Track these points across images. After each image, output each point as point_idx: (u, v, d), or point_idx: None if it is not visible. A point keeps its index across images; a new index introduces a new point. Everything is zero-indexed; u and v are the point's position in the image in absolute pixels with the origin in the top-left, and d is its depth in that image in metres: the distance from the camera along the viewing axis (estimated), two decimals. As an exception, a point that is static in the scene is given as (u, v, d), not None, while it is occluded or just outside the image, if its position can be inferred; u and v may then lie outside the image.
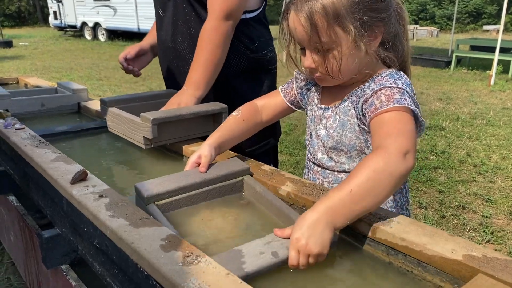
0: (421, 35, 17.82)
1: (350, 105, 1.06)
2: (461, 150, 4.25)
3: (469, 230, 2.77)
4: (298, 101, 1.24)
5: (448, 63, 9.45)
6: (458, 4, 11.75)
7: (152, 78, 8.15)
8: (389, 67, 1.07)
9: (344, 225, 0.83)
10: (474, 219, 2.93)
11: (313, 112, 1.17)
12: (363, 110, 1.01)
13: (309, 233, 0.78)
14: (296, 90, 1.23)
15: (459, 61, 9.60)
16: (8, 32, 19.12)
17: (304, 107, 1.24)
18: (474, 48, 9.93)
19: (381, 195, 0.83)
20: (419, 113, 0.96)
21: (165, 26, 1.65)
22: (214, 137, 1.17)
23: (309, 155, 1.21)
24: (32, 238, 1.52)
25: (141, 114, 1.33)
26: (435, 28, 19.31)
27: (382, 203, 0.86)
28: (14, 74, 8.47)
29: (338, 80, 1.03)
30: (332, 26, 0.94)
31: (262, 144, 1.68)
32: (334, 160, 1.12)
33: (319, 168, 1.16)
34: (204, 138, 1.45)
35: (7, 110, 1.75)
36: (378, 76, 1.03)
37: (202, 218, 1.00)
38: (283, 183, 1.09)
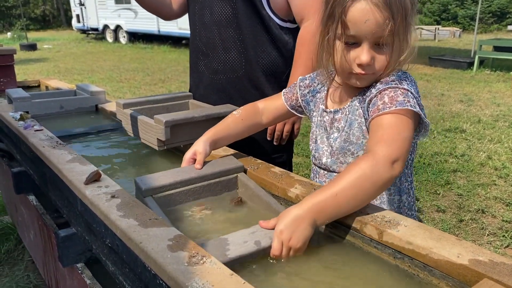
0: (443, 36, 17.55)
1: (357, 104, 1.07)
2: (482, 153, 4.18)
3: (488, 235, 2.72)
4: (300, 107, 1.26)
5: (471, 64, 9.29)
6: (481, 4, 11.52)
7: (171, 81, 8.25)
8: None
9: (324, 224, 0.89)
10: (493, 223, 2.87)
11: (321, 117, 1.17)
12: (368, 109, 1.01)
13: (293, 228, 0.83)
14: (300, 98, 1.24)
15: (482, 62, 9.42)
16: (33, 35, 19.59)
17: (308, 113, 1.25)
18: (497, 48, 9.71)
19: (364, 201, 0.89)
20: (422, 115, 0.95)
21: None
22: (210, 134, 1.20)
23: (313, 160, 1.21)
24: (50, 237, 1.56)
25: (155, 116, 1.36)
26: (458, 29, 18.97)
27: (362, 206, 0.91)
28: (38, 76, 8.69)
29: (376, 79, 1.02)
30: (402, 20, 0.94)
31: (275, 157, 1.70)
32: (341, 162, 1.12)
33: (325, 172, 1.17)
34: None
35: (27, 112, 1.80)
36: (385, 75, 1.02)
37: (196, 212, 1.07)
38: (292, 185, 1.09)
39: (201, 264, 0.73)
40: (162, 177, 1.08)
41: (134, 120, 1.48)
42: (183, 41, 14.27)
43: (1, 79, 2.42)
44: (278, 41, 1.58)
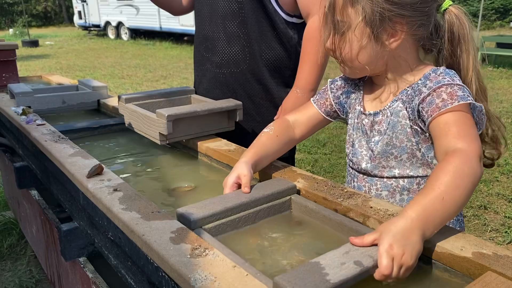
0: (446, 33, 17.45)
1: (401, 105, 1.00)
2: (484, 149, 4.17)
3: (490, 231, 2.72)
4: (335, 111, 1.19)
5: (473, 61, 9.25)
6: (484, 1, 11.48)
7: (173, 77, 8.25)
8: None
9: (432, 235, 0.77)
10: (495, 219, 2.87)
11: (359, 120, 1.10)
12: (420, 109, 0.95)
13: (404, 242, 0.72)
14: (333, 100, 1.18)
15: (484, 59, 9.38)
16: (34, 32, 19.61)
17: (343, 116, 1.19)
18: (500, 45, 9.68)
19: (466, 201, 0.81)
20: (482, 108, 0.92)
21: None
22: (250, 155, 1.09)
23: (351, 163, 1.14)
24: (53, 231, 1.56)
25: (157, 110, 1.35)
26: (460, 25, 18.88)
27: (462, 209, 0.84)
28: (40, 72, 8.68)
29: (352, 68, 1.02)
30: (346, 6, 0.96)
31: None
32: (383, 166, 1.05)
33: (365, 176, 1.10)
34: (218, 135, 1.47)
35: (29, 107, 1.80)
36: (431, 73, 0.97)
37: (255, 241, 0.92)
38: (294, 179, 1.09)
39: (203, 256, 0.73)
40: (209, 205, 0.93)
41: (136, 114, 1.47)
42: (185, 38, 14.25)
43: (3, 74, 2.42)
44: (283, 36, 1.57)
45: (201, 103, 1.52)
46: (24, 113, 1.69)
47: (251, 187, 1.00)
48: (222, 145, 1.38)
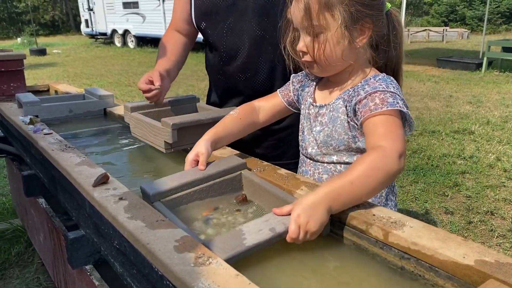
0: (451, 37, 17.47)
1: (342, 103, 1.13)
2: (490, 154, 4.15)
3: (497, 237, 2.70)
4: (295, 102, 1.33)
5: (479, 65, 9.23)
6: (490, 5, 11.45)
7: (179, 84, 8.29)
8: (380, 69, 1.16)
9: (338, 211, 0.92)
10: (503, 225, 2.85)
11: (308, 110, 1.24)
12: (356, 109, 1.08)
13: (310, 213, 0.87)
14: (293, 92, 1.33)
15: (490, 63, 9.36)
16: (42, 41, 19.82)
17: (299, 107, 1.33)
18: (506, 49, 9.65)
19: (375, 190, 0.95)
20: (409, 114, 1.04)
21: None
22: (210, 134, 1.23)
23: (301, 149, 1.29)
24: (60, 239, 1.58)
25: (162, 119, 1.37)
26: (466, 30, 18.87)
27: (372, 196, 0.98)
28: (47, 81, 8.78)
29: (324, 67, 1.11)
30: (323, 11, 1.04)
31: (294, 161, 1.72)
32: (324, 154, 1.19)
33: (311, 161, 1.24)
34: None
35: (37, 116, 1.83)
36: (371, 79, 1.10)
37: (205, 212, 1.08)
38: (298, 187, 1.10)
39: (207, 264, 0.74)
40: (167, 181, 1.09)
41: (141, 123, 1.49)
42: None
43: (11, 84, 2.45)
44: None
45: (205, 111, 1.54)
46: (31, 122, 1.72)
47: (208, 164, 1.16)
48: (227, 152, 1.39)
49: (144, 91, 1.55)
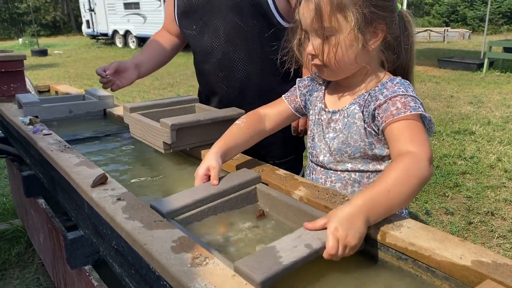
0: (452, 37, 17.45)
1: (358, 108, 1.09)
2: (491, 154, 4.14)
3: (497, 237, 2.70)
4: (302, 108, 1.29)
5: (480, 66, 9.22)
6: (491, 5, 11.44)
7: (180, 85, 8.30)
8: (390, 71, 1.12)
9: (375, 222, 0.86)
10: (503, 225, 2.85)
11: (319, 116, 1.19)
12: (375, 114, 1.04)
13: (348, 225, 0.81)
14: (300, 97, 1.28)
15: (491, 63, 9.35)
16: (43, 41, 19.85)
17: (307, 112, 1.28)
18: (507, 50, 9.64)
19: (410, 198, 0.89)
20: (431, 119, 1.01)
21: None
22: (219, 145, 1.18)
23: (310, 157, 1.24)
24: (59, 239, 1.58)
25: (161, 119, 1.37)
26: (467, 30, 18.86)
27: (407, 204, 0.93)
28: (48, 81, 8.79)
29: (335, 71, 1.08)
30: (335, 13, 1.00)
31: (286, 160, 1.72)
32: (338, 161, 1.15)
33: (322, 169, 1.19)
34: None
35: (36, 117, 1.83)
36: (388, 82, 1.06)
37: (223, 229, 1.00)
38: (296, 187, 1.10)
39: (204, 265, 0.74)
40: (179, 198, 1.02)
41: (140, 123, 1.49)
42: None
43: (12, 85, 2.46)
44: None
45: (204, 112, 1.54)
46: (31, 123, 1.72)
47: (220, 178, 1.09)
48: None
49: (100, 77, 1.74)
